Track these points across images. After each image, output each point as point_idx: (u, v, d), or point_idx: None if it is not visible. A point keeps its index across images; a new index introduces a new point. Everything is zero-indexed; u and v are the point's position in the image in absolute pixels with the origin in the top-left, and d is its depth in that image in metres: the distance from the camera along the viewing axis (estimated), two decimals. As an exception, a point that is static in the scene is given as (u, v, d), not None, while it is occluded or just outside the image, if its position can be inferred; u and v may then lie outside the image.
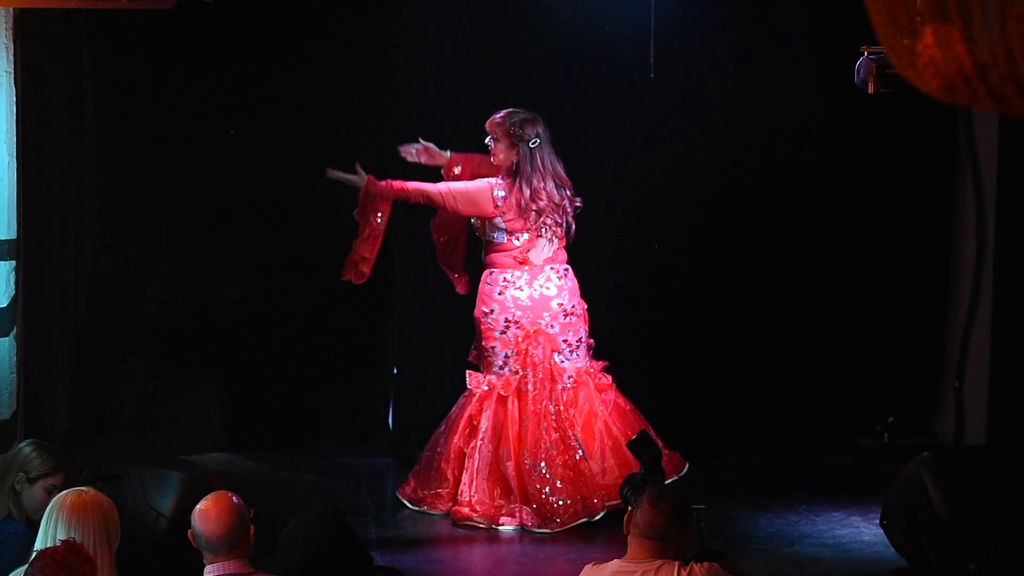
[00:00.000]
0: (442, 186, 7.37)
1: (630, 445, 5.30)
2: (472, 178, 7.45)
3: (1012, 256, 8.09)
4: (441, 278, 7.75)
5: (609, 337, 8.35)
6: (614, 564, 4.61)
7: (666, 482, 6.90)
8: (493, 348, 7.35)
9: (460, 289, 7.64)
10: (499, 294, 7.36)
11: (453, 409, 7.46)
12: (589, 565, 4.72)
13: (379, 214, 7.34)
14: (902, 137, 8.44)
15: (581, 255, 7.81)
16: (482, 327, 7.38)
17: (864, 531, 7.07)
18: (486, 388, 7.34)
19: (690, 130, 8.39)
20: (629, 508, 4.71)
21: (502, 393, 7.30)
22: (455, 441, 7.33)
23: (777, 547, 6.90)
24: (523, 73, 8.17)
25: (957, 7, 2.85)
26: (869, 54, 6.57)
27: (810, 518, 7.33)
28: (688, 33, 8.18)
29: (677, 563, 4.52)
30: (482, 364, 7.42)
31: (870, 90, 6.61)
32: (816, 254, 8.54)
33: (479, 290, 7.44)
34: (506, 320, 7.33)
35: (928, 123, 8.28)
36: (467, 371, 7.45)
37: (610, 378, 7.56)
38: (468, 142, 7.48)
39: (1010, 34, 2.82)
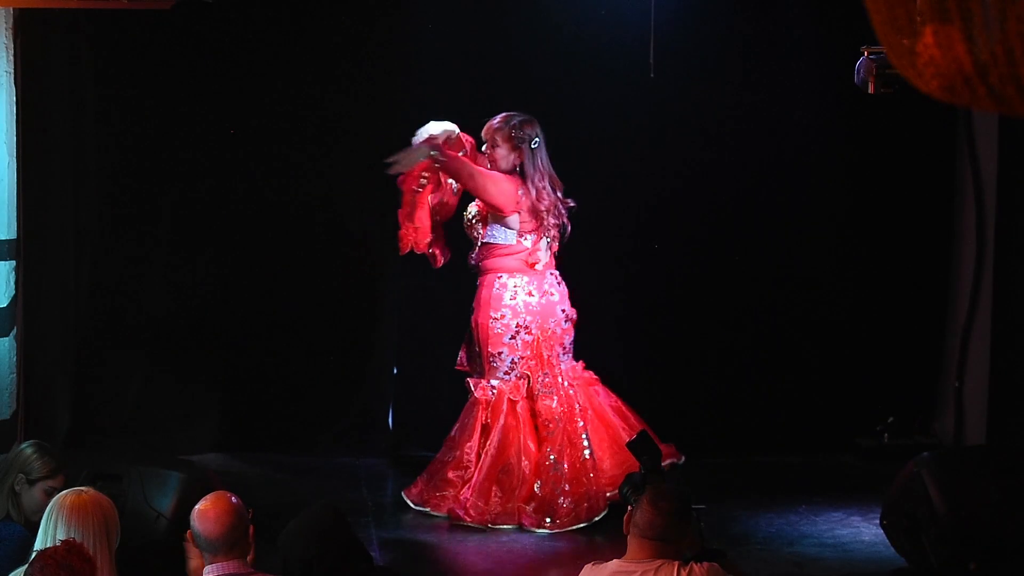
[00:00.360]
0: (480, 168, 7.33)
1: (630, 445, 5.30)
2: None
3: (1012, 256, 8.09)
4: (441, 278, 7.74)
5: (610, 337, 8.37)
6: (614, 564, 4.61)
7: (664, 463, 6.98)
8: (500, 353, 7.32)
9: (438, 263, 7.48)
10: (511, 299, 7.34)
11: (462, 416, 7.41)
12: (589, 565, 4.72)
13: (423, 179, 7.29)
14: (902, 137, 8.44)
15: (582, 255, 7.81)
16: (489, 333, 7.32)
17: (864, 531, 7.07)
18: (493, 394, 7.32)
19: (690, 130, 8.39)
20: (629, 508, 4.71)
21: (512, 398, 7.29)
22: (468, 448, 7.31)
23: (777, 547, 6.90)
24: (523, 73, 8.17)
25: (957, 7, 2.85)
26: (869, 54, 6.57)
27: (810, 518, 7.33)
28: (688, 33, 8.18)
29: (677, 563, 4.52)
30: (482, 370, 7.38)
31: (870, 90, 6.61)
32: (816, 254, 8.55)
33: (483, 296, 7.37)
34: (517, 325, 7.32)
35: (928, 123, 8.28)
36: (469, 379, 7.42)
37: (593, 373, 7.56)
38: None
39: (1010, 34, 2.81)
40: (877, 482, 7.16)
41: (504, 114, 7.34)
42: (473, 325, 7.41)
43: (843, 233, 8.55)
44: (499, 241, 7.39)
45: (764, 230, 8.49)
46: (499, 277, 7.37)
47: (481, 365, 7.39)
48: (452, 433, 7.43)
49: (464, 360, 7.51)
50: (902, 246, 8.55)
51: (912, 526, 5.94)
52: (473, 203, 7.46)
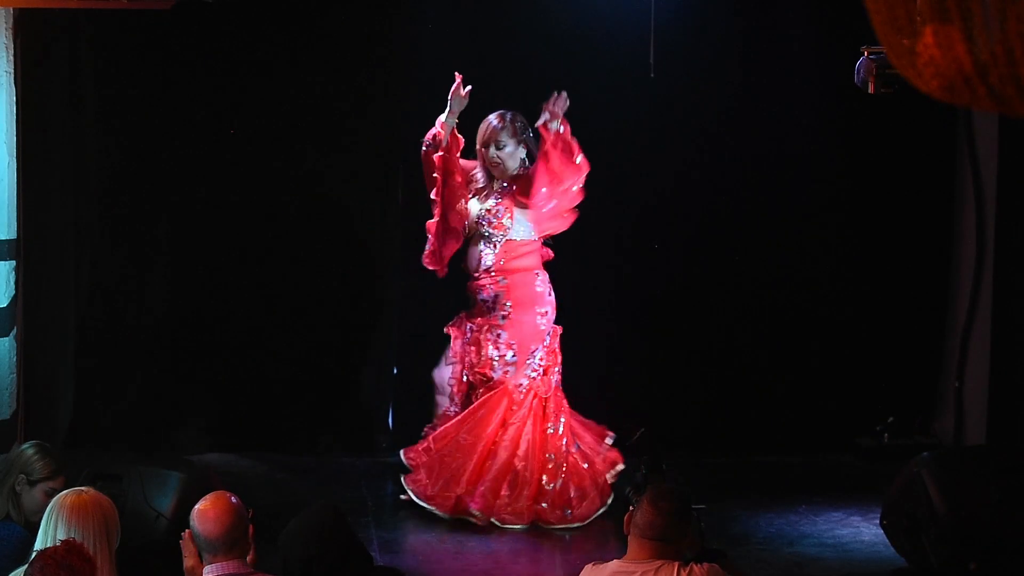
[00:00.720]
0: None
1: (631, 445, 5.31)
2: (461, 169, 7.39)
3: (1012, 256, 8.09)
4: (441, 278, 7.73)
5: (609, 336, 8.37)
6: (614, 564, 4.61)
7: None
8: (535, 350, 7.33)
9: (441, 270, 7.45)
10: (549, 295, 7.38)
11: (479, 408, 7.32)
12: (589, 565, 4.72)
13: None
14: (902, 137, 8.44)
15: (582, 254, 7.81)
16: (536, 331, 7.32)
17: (864, 531, 7.07)
18: (521, 394, 7.30)
19: (690, 130, 8.39)
20: (630, 508, 4.71)
21: (542, 395, 7.31)
22: (485, 441, 7.24)
23: (777, 547, 6.90)
24: (523, 73, 8.17)
25: (957, 7, 2.85)
26: (869, 54, 6.56)
27: (810, 518, 7.33)
28: (688, 33, 8.19)
29: (677, 563, 4.52)
30: (512, 368, 7.35)
31: (870, 90, 6.61)
32: (816, 254, 8.54)
33: (526, 294, 7.33)
34: (550, 321, 7.38)
35: (928, 123, 8.28)
36: (500, 371, 7.35)
37: None
38: (468, 142, 7.47)
39: (1010, 34, 2.82)
40: (877, 482, 7.17)
41: (496, 114, 7.33)
42: (513, 324, 7.33)
43: (843, 233, 8.55)
44: (524, 237, 7.38)
45: (764, 230, 8.49)
46: (536, 274, 7.36)
47: (513, 365, 7.35)
48: (460, 435, 7.32)
49: (487, 365, 7.39)
50: (902, 246, 8.55)
51: (912, 526, 5.94)
52: (490, 198, 7.43)
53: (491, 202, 7.36)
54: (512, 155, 7.32)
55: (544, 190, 7.25)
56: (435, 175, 7.30)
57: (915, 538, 5.96)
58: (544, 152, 7.21)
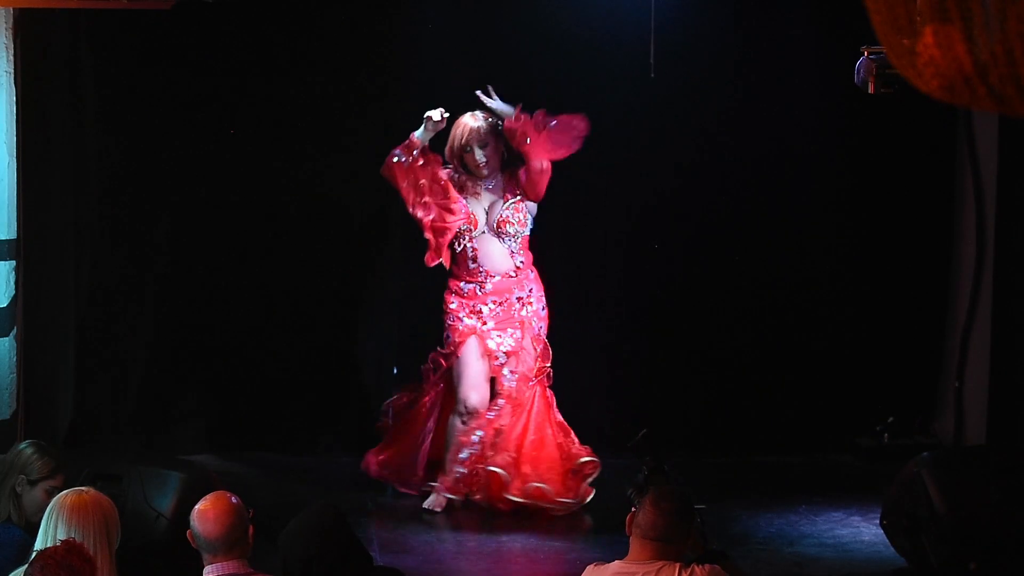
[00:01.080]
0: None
1: (632, 446, 5.30)
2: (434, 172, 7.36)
3: (1012, 256, 8.09)
4: (441, 278, 7.73)
5: (609, 336, 8.37)
6: (615, 565, 4.62)
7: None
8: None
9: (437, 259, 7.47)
10: None
11: (543, 409, 7.37)
12: (591, 566, 4.73)
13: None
14: (902, 137, 8.44)
15: (582, 254, 7.79)
16: (546, 327, 7.43)
17: (864, 531, 7.07)
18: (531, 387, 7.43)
19: (690, 130, 8.39)
20: (632, 509, 4.71)
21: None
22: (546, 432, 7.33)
23: (777, 547, 6.90)
24: (523, 73, 8.16)
25: (957, 7, 2.86)
26: (869, 54, 6.56)
27: (810, 518, 7.33)
28: (688, 33, 8.18)
29: (678, 564, 4.52)
30: (533, 367, 7.41)
31: (870, 90, 6.61)
32: (816, 254, 8.54)
33: (540, 290, 7.43)
34: None
35: (928, 123, 8.28)
36: (540, 367, 7.41)
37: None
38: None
39: (1010, 34, 2.82)
40: (877, 482, 7.16)
41: (469, 115, 7.33)
42: (547, 316, 7.42)
43: (843, 233, 8.55)
44: (529, 231, 7.43)
45: (764, 230, 8.49)
46: (536, 274, 7.44)
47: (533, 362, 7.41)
48: (537, 429, 7.34)
49: (545, 360, 7.45)
50: (902, 246, 8.55)
51: (912, 526, 5.94)
52: (507, 197, 7.38)
53: (512, 200, 7.34)
54: (496, 149, 7.34)
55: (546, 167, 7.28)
56: (419, 180, 7.23)
57: (915, 538, 5.96)
58: (528, 144, 7.20)
